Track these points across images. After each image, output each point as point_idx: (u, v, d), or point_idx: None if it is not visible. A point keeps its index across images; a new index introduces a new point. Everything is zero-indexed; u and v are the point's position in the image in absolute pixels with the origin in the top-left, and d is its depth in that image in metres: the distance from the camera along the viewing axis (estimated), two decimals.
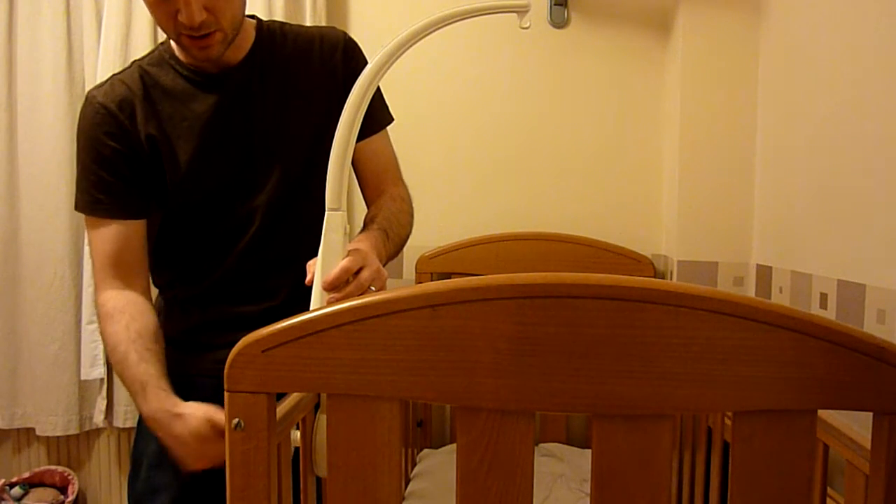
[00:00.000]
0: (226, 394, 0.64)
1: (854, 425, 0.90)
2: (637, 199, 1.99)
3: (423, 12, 1.00)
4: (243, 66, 1.16)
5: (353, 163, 1.19)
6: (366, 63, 1.17)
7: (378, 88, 1.24)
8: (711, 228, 1.80)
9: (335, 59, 1.19)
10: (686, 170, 1.81)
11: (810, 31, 1.49)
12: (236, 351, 0.64)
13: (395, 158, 1.29)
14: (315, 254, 0.97)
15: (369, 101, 0.96)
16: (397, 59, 1.05)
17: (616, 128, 1.98)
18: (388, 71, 1.12)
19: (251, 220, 1.17)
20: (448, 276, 1.90)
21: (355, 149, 1.15)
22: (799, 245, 1.50)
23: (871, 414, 0.63)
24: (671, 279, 1.85)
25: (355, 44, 1.23)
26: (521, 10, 1.03)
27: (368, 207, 1.25)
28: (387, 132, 1.27)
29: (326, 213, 0.92)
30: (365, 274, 0.95)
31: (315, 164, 1.13)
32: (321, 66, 1.19)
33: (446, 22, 1.04)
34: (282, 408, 0.79)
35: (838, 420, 0.93)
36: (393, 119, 1.28)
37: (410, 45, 1.02)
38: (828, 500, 1.02)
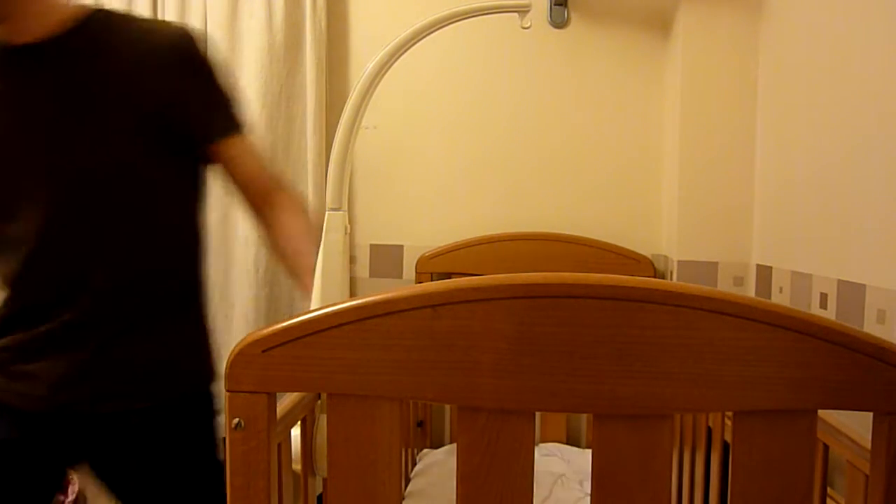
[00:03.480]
0: (226, 394, 0.64)
1: (854, 425, 0.90)
2: (637, 199, 1.99)
3: (424, 12, 1.00)
4: (51, 45, 1.03)
5: (221, 167, 1.13)
6: (204, 58, 1.09)
7: (230, 93, 1.14)
8: (711, 228, 1.80)
9: (165, 54, 1.06)
10: (686, 170, 1.81)
11: (810, 31, 1.49)
12: (237, 351, 0.64)
13: (266, 161, 1.18)
14: (115, 270, 0.95)
15: (369, 98, 0.96)
16: (398, 58, 1.06)
17: (616, 128, 1.98)
18: (389, 71, 1.12)
19: (34, 228, 1.03)
20: (448, 276, 1.90)
21: (217, 153, 1.10)
22: (799, 245, 1.50)
23: (871, 414, 0.63)
24: (671, 279, 1.85)
25: (193, 39, 1.09)
26: (523, 10, 1.03)
27: (253, 210, 1.17)
28: (247, 138, 1.16)
29: (327, 212, 0.93)
30: None
31: (120, 162, 1.03)
32: (148, 60, 1.06)
33: (447, 22, 1.04)
34: (282, 408, 0.79)
35: (838, 420, 0.93)
36: (245, 125, 1.17)
37: (411, 45, 1.02)
38: (828, 500, 1.02)
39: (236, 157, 1.13)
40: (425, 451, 1.89)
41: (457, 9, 1.18)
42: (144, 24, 1.12)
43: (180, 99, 1.06)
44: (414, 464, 1.81)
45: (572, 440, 1.94)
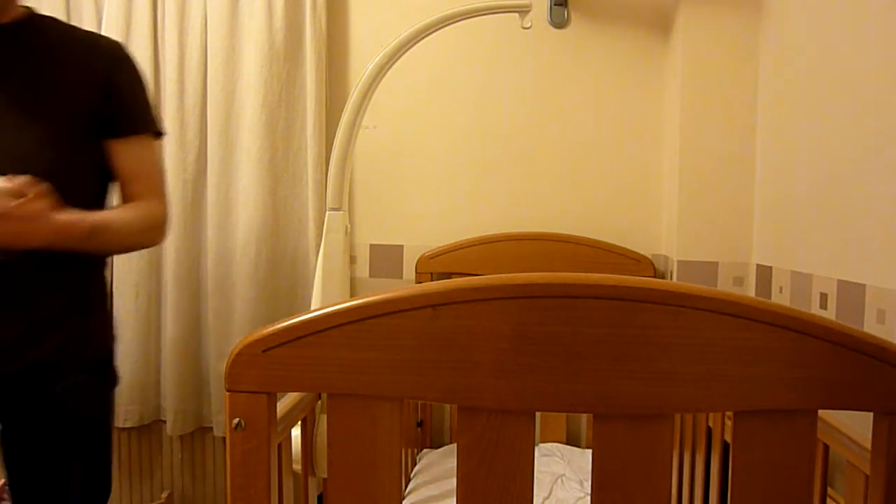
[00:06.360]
0: (226, 393, 0.64)
1: (854, 425, 0.90)
2: (637, 199, 1.99)
3: (424, 12, 1.00)
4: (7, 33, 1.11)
5: (111, 162, 1.19)
6: (132, 77, 1.20)
7: (146, 97, 1.23)
8: (711, 228, 1.80)
9: (97, 66, 1.16)
10: (686, 170, 1.81)
11: (810, 31, 1.49)
12: (237, 351, 0.64)
13: (158, 170, 1.25)
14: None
15: (369, 98, 0.96)
16: (399, 58, 1.06)
17: (616, 128, 1.98)
18: (389, 71, 1.12)
19: None
20: (448, 276, 1.90)
21: (109, 144, 1.16)
22: (799, 245, 1.50)
23: (871, 414, 0.63)
24: (671, 279, 1.85)
25: (126, 56, 1.20)
26: (523, 10, 1.03)
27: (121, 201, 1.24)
28: (154, 145, 1.24)
29: (327, 212, 0.93)
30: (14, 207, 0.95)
31: (40, 164, 1.07)
32: (81, 68, 1.15)
33: (447, 22, 1.04)
34: (282, 408, 0.79)
35: (838, 420, 0.93)
36: (162, 133, 1.25)
37: (412, 45, 1.03)
38: (828, 500, 1.02)
39: (128, 153, 1.19)
40: (425, 451, 1.89)
41: (457, 9, 1.18)
42: (76, 31, 1.22)
43: (112, 99, 1.14)
44: (414, 464, 1.81)
45: (572, 440, 1.94)
